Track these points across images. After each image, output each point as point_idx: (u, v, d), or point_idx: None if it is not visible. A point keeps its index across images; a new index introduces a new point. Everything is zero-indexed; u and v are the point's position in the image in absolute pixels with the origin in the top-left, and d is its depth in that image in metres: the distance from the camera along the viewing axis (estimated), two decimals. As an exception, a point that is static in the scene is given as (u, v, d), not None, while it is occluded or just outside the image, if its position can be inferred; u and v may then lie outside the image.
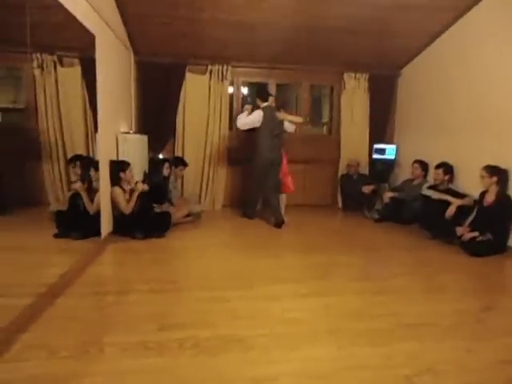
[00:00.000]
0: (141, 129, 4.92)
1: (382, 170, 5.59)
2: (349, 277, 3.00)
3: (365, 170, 5.69)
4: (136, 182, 4.01)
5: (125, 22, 4.24)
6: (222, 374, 1.68)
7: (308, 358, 1.82)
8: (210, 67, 5.15)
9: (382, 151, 5.63)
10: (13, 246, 3.30)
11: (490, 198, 3.71)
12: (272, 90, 5.57)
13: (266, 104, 4.57)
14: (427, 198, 4.31)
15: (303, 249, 3.66)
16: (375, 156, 5.67)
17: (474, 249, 3.54)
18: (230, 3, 4.01)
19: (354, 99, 5.63)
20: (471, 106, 4.23)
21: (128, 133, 4.38)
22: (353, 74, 5.56)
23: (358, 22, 4.36)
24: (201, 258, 3.35)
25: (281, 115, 4.58)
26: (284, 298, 2.53)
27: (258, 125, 4.49)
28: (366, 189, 5.23)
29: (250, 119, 4.53)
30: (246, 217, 4.84)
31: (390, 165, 5.62)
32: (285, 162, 4.71)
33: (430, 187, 4.42)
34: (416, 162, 4.91)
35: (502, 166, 3.67)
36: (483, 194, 3.80)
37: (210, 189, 5.33)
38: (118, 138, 4.11)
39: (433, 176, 4.47)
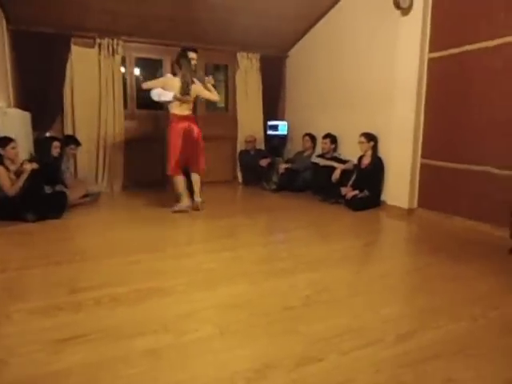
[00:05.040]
0: (22, 105, 4.44)
1: (276, 145, 6.01)
2: (254, 233, 3.25)
3: (261, 145, 6.05)
4: (22, 163, 3.65)
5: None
6: (143, 318, 1.75)
7: (224, 294, 2.00)
8: (98, 40, 4.87)
9: (275, 127, 6.05)
10: None
11: (366, 161, 4.33)
12: (166, 67, 5.52)
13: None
14: (316, 165, 4.83)
15: (209, 217, 3.79)
16: (269, 132, 6.07)
17: (355, 204, 4.11)
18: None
19: (248, 78, 5.91)
20: (347, 85, 4.82)
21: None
22: (245, 54, 5.82)
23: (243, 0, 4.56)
24: (106, 232, 3.25)
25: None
26: (197, 254, 2.66)
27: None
28: (263, 162, 5.59)
29: None
30: None
31: (283, 139, 6.07)
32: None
33: (319, 156, 4.96)
34: (306, 135, 5.41)
35: (374, 133, 4.31)
36: (360, 158, 4.41)
37: (106, 169, 5.09)
38: (-4, 112, 3.68)
39: (321, 146, 5.00)
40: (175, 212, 3.85)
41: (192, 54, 3.91)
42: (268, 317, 1.76)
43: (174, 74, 3.92)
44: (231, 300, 1.93)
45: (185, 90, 3.77)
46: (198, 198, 3.96)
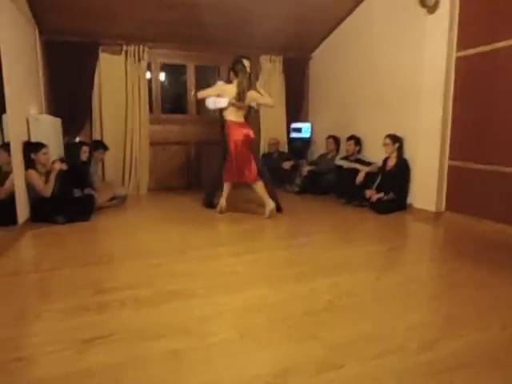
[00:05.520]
0: (53, 112, 4.63)
1: (299, 147, 5.98)
2: (276, 237, 3.25)
3: (284, 148, 6.04)
4: (52, 162, 3.80)
5: (27, -5, 3.95)
6: (166, 320, 1.78)
7: (245, 298, 2.00)
8: (125, 47, 5.01)
9: (299, 130, 6.02)
10: None
11: (391, 163, 4.25)
12: (190, 72, 5.61)
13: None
14: (340, 167, 4.78)
15: (232, 219, 3.82)
16: (293, 134, 6.05)
17: (380, 207, 4.04)
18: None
19: (271, 81, 5.91)
20: (372, 86, 4.75)
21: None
22: (268, 57, 5.83)
23: (264, 4, 4.57)
24: (131, 234, 3.33)
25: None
26: (220, 257, 2.69)
27: None
28: (286, 164, 5.58)
29: None
30: (211, 207, 4.20)
31: (306, 142, 6.04)
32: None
33: (343, 158, 4.90)
34: (330, 137, 5.36)
35: (399, 134, 4.22)
36: (385, 160, 4.33)
37: (133, 173, 5.23)
38: (29, 119, 3.85)
39: (345, 147, 4.94)
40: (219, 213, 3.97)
41: (246, 62, 3.97)
42: (289, 321, 1.75)
43: (229, 82, 3.98)
44: (252, 304, 1.94)
45: (241, 96, 3.80)
46: (271, 203, 3.84)
